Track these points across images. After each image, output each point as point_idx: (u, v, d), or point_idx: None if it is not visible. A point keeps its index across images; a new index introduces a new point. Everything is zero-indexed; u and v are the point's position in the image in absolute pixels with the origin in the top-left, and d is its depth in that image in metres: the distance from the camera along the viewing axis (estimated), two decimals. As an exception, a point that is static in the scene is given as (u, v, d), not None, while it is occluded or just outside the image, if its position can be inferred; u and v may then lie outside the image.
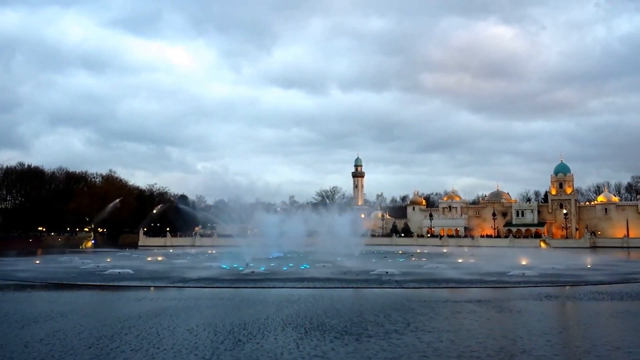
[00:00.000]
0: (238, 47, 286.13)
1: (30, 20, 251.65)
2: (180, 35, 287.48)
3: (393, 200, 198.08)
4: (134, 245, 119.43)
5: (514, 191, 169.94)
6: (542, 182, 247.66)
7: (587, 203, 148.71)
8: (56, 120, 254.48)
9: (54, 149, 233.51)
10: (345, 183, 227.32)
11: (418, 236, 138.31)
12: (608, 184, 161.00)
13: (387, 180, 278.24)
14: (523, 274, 35.90)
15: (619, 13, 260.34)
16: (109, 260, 50.43)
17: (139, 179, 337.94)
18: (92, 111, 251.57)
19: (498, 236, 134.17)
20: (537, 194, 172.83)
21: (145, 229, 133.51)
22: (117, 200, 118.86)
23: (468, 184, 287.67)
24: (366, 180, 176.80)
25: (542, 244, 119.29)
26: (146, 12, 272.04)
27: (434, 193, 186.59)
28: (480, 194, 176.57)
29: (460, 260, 53.82)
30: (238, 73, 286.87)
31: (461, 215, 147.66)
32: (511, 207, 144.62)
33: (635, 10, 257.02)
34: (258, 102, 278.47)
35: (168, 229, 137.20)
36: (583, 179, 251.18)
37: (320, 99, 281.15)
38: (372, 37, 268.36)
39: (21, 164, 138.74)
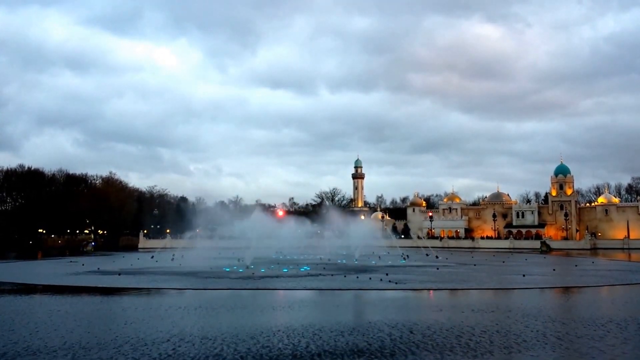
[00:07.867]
0: (222, 46, 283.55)
1: (10, 19, 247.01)
2: (162, 34, 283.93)
3: (393, 201, 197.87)
4: (134, 247, 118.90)
5: (511, 192, 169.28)
6: (540, 183, 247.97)
7: (588, 204, 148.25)
8: (43, 120, 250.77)
9: (43, 150, 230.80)
10: (340, 184, 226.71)
11: (418, 237, 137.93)
12: (608, 185, 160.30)
13: (382, 182, 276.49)
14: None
15: (603, 12, 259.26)
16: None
17: (134, 180, 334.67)
18: (78, 112, 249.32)
19: (498, 237, 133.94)
20: (537, 195, 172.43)
21: (145, 231, 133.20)
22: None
23: (464, 185, 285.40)
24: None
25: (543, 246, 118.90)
26: (126, 10, 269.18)
27: (434, 194, 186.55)
28: (479, 195, 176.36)
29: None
30: (224, 73, 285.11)
31: (461, 216, 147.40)
32: (511, 208, 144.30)
33: (619, 9, 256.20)
34: (246, 102, 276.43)
35: (168, 230, 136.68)
36: (579, 180, 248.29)
37: (309, 99, 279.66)
38: (357, 36, 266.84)
39: (21, 166, 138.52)
